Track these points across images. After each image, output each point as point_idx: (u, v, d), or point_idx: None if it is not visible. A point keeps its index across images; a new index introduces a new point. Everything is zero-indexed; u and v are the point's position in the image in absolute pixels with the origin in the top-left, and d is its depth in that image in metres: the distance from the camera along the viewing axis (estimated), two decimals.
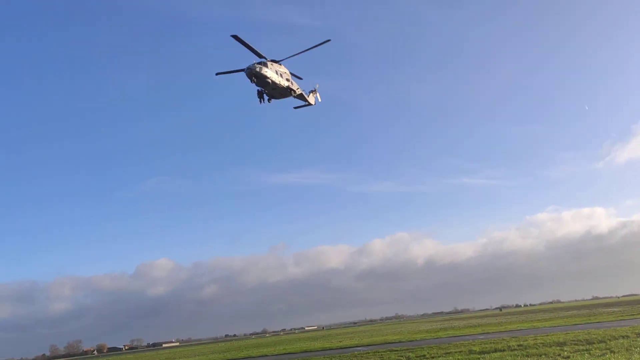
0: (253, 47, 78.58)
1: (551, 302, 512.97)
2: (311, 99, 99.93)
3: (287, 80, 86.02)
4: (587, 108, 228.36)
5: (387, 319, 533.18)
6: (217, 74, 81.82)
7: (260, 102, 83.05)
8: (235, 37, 75.87)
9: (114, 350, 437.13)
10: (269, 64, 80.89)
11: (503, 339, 61.12)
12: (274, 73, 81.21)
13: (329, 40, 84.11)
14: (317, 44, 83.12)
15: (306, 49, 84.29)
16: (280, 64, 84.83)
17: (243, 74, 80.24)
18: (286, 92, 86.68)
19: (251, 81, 78.43)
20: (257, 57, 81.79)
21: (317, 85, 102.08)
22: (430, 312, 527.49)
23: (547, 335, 60.43)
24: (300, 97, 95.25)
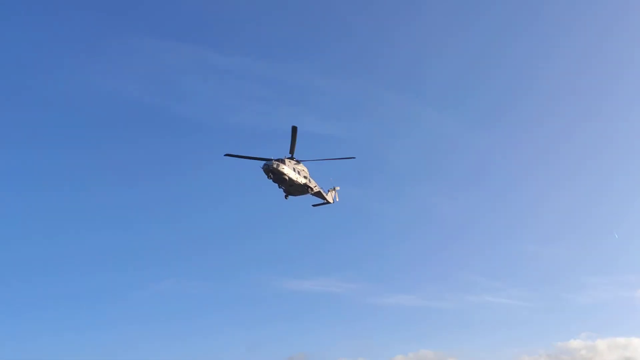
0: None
1: None
2: (330, 197, 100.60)
3: (305, 177, 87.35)
4: (616, 236, 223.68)
5: None
6: (226, 155, 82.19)
7: (268, 177, 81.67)
8: (294, 128, 78.10)
9: None
10: (286, 161, 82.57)
11: None
12: (291, 170, 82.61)
13: (353, 157, 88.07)
14: (342, 157, 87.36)
15: (330, 158, 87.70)
16: (298, 162, 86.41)
17: (251, 161, 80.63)
18: (303, 189, 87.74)
19: (268, 177, 79.73)
20: (261, 162, 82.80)
21: (338, 188, 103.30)
22: None
23: None
24: (319, 195, 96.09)
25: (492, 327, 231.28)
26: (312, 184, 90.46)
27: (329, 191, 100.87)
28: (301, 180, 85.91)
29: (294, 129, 77.90)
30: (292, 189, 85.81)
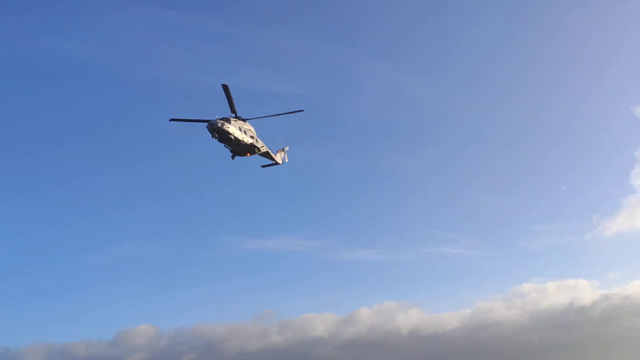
0: (233, 102, 78.29)
1: None
2: (278, 158, 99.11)
3: (252, 137, 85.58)
4: (564, 188, 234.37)
5: None
6: (171, 119, 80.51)
7: (213, 136, 79.24)
8: (224, 86, 75.82)
9: None
10: (232, 120, 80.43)
11: None
12: (237, 129, 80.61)
13: (302, 110, 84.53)
14: (290, 111, 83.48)
15: (277, 113, 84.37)
16: (245, 122, 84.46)
17: (200, 125, 79.15)
18: (250, 149, 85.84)
19: (212, 136, 77.67)
20: (231, 113, 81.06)
21: (287, 148, 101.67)
22: None
23: None
24: (266, 155, 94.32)
25: (450, 276, 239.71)
26: (260, 144, 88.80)
27: (277, 152, 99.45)
28: (248, 140, 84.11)
29: (225, 87, 75.92)
30: (239, 149, 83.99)
